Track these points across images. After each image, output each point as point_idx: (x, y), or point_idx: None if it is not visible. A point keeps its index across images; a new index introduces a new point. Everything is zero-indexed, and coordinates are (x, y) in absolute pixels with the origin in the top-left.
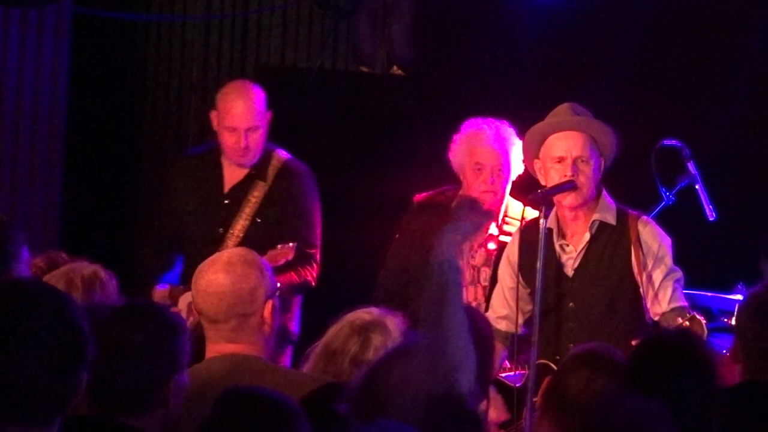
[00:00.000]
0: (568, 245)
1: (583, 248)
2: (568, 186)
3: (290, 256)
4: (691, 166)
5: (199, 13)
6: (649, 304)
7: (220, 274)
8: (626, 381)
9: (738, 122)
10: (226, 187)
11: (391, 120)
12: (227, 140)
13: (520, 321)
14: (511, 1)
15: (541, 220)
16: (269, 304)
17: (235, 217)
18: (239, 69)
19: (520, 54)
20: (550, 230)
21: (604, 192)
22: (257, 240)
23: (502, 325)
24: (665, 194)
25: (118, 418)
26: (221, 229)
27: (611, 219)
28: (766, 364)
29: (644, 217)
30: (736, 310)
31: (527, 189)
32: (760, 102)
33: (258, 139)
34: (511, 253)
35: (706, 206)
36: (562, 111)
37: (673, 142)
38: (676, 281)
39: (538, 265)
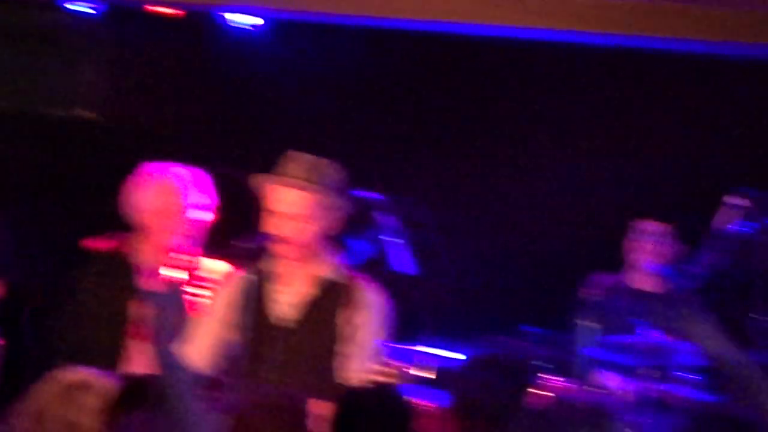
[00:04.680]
0: (284, 295)
1: (301, 302)
2: (273, 240)
3: None
4: (390, 220)
5: None
6: (350, 362)
7: None
8: None
9: (443, 174)
10: None
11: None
12: None
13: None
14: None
15: (246, 275)
16: None
17: None
18: None
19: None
20: (267, 276)
21: (330, 249)
22: None
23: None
24: (363, 247)
25: None
26: None
27: (334, 276)
28: None
29: (368, 281)
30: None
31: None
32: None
33: None
34: (225, 294)
35: (405, 262)
36: (295, 163)
37: (373, 194)
38: (379, 343)
39: (246, 316)
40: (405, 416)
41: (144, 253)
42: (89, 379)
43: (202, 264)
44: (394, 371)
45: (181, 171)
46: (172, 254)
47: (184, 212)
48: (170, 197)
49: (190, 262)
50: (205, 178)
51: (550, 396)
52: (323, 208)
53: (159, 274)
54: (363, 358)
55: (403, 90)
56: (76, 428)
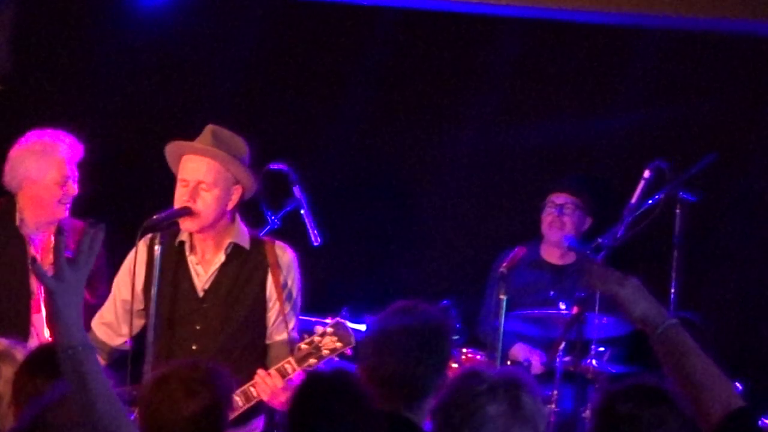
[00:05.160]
0: (198, 265)
1: (215, 270)
2: (183, 212)
3: None
4: (296, 191)
5: None
6: (272, 328)
7: None
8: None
9: (346, 146)
10: None
11: None
12: None
13: (127, 334)
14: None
15: (156, 247)
16: None
17: None
18: None
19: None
20: (182, 245)
21: (239, 218)
22: None
23: (101, 332)
24: (271, 218)
25: None
26: None
27: (245, 243)
28: None
29: (279, 243)
30: None
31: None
32: (371, 125)
33: None
34: (137, 265)
35: (311, 231)
36: (203, 134)
37: (280, 166)
38: (297, 309)
39: (154, 287)
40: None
41: (29, 219)
42: (5, 349)
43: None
44: (320, 348)
45: (62, 138)
46: (59, 224)
47: (66, 181)
48: (59, 167)
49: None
50: (79, 149)
51: (461, 368)
52: (230, 177)
53: (49, 244)
54: (286, 317)
55: (314, 60)
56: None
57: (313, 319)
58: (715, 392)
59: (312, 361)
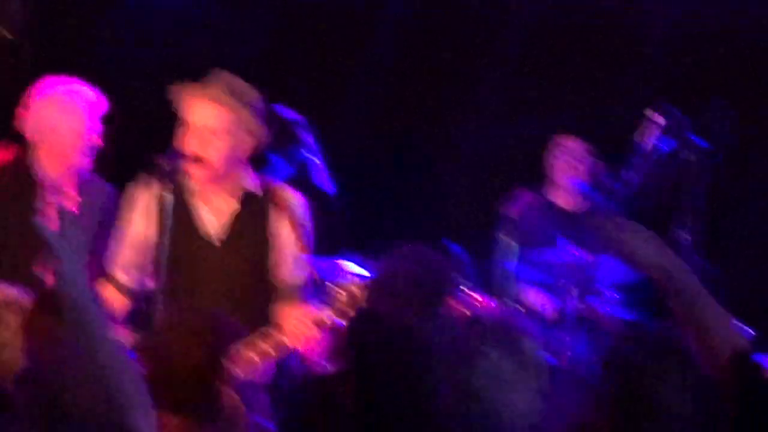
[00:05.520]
0: (210, 214)
1: (228, 219)
2: (193, 159)
3: None
4: (309, 139)
5: None
6: (285, 272)
7: None
8: None
9: (362, 98)
10: None
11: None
12: None
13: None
14: None
15: (165, 194)
16: None
17: None
18: None
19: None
20: (192, 194)
21: (249, 166)
22: None
23: (118, 274)
24: (283, 166)
25: None
26: None
27: (257, 191)
28: None
29: (290, 189)
30: None
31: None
32: (386, 78)
33: None
34: (148, 213)
35: (323, 178)
36: (216, 82)
37: (293, 114)
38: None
39: (166, 237)
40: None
41: (46, 169)
42: (7, 296)
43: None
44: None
45: (83, 89)
46: (74, 174)
47: (87, 132)
48: (75, 116)
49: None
50: (103, 100)
51: (468, 312)
52: (239, 125)
53: (63, 191)
54: (299, 261)
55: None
56: (2, 348)
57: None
58: (723, 335)
59: (350, 311)
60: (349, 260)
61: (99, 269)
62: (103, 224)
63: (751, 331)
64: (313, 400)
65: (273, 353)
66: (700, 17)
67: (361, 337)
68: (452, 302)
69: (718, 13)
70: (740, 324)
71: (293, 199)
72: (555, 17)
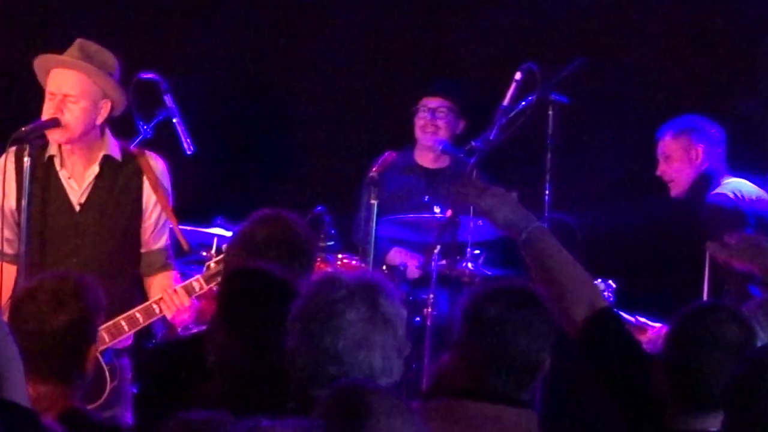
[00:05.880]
0: (71, 179)
1: (89, 184)
2: (51, 124)
3: None
4: (168, 99)
5: None
6: (148, 237)
7: None
8: None
9: (218, 55)
10: None
11: None
12: None
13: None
14: None
15: (26, 158)
16: None
17: None
18: None
19: None
20: (51, 159)
21: (108, 131)
22: None
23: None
24: (143, 127)
25: None
26: None
27: (117, 155)
28: None
29: (150, 152)
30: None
31: None
32: (243, 33)
33: None
34: (7, 180)
35: (183, 140)
36: (71, 48)
37: (151, 75)
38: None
39: (24, 199)
40: None
41: None
42: None
43: None
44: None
45: None
46: None
47: None
48: None
49: None
50: None
51: (328, 271)
52: (98, 90)
53: None
54: (161, 226)
55: None
56: None
57: (188, 229)
58: (579, 294)
59: (217, 276)
60: (215, 224)
61: None
62: None
63: (612, 283)
64: (177, 361)
65: (141, 320)
66: None
67: (232, 293)
68: (312, 262)
69: None
70: (600, 281)
71: (154, 163)
72: None
